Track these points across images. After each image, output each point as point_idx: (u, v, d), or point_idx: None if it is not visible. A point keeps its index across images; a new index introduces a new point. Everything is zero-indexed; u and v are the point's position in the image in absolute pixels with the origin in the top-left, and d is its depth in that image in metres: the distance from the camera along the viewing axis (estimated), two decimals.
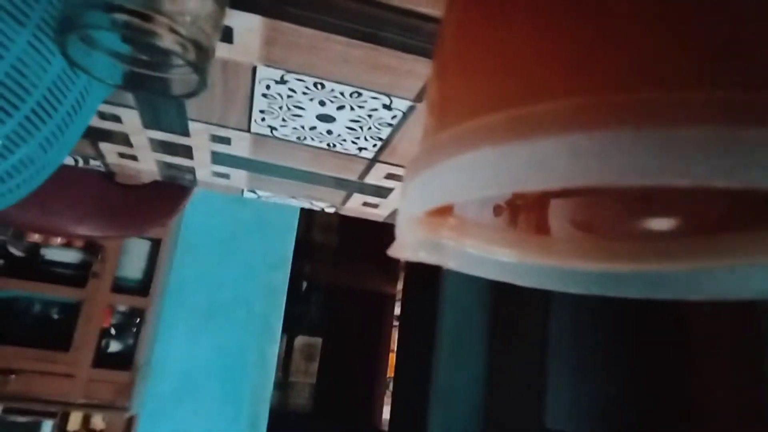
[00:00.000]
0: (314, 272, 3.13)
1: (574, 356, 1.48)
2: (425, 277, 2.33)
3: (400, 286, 3.11)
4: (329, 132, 0.54)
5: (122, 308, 2.11)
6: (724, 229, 0.21)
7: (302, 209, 2.45)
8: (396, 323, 3.11)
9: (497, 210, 0.23)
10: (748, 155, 0.10)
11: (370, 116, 0.50)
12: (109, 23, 0.31)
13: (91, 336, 1.96)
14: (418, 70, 0.43)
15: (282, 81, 0.46)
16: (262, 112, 0.52)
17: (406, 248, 0.20)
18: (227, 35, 0.41)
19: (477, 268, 0.22)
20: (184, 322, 2.25)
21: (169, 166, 0.69)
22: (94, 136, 0.62)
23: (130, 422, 2.03)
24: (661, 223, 0.22)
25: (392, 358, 3.07)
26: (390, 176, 0.63)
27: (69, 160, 0.70)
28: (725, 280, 0.22)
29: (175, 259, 2.24)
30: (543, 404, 1.54)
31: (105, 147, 0.65)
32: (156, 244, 2.08)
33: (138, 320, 2.08)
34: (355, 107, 0.49)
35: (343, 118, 0.51)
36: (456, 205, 0.20)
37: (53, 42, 0.35)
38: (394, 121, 0.51)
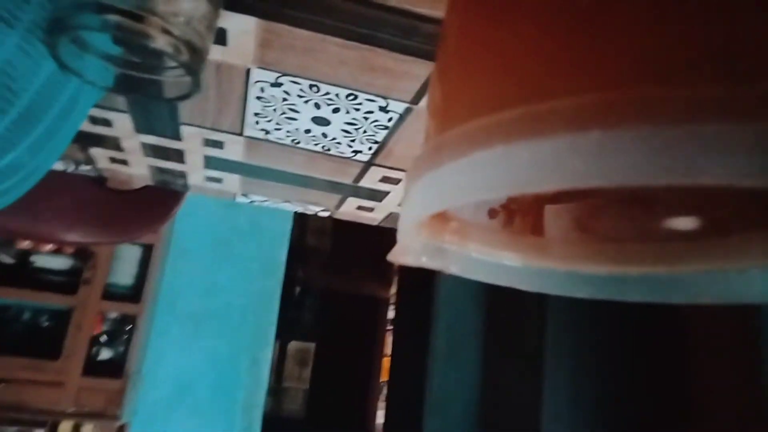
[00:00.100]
0: (307, 277, 3.11)
1: (570, 360, 1.48)
2: (419, 281, 2.32)
3: (393, 289, 3.10)
4: (324, 135, 0.54)
5: (113, 315, 2.09)
6: (733, 231, 0.21)
7: (295, 214, 2.44)
8: (390, 327, 3.10)
9: (492, 213, 0.22)
10: (751, 151, 0.10)
11: (365, 119, 0.50)
12: (101, 24, 0.30)
13: (81, 344, 1.94)
14: (415, 71, 0.42)
15: (276, 83, 0.46)
16: (256, 115, 0.52)
17: (407, 253, 0.20)
18: (221, 37, 0.40)
19: (480, 272, 0.21)
20: (177, 329, 2.23)
21: (161, 170, 0.68)
22: (85, 140, 0.61)
23: (121, 431, 2.00)
24: (668, 225, 0.21)
25: (386, 362, 3.06)
26: (386, 179, 0.62)
27: (59, 165, 0.69)
28: (733, 283, 0.22)
29: (167, 264, 2.22)
30: (539, 409, 1.54)
31: (96, 152, 0.64)
32: (148, 250, 2.07)
33: (129, 327, 2.06)
34: (350, 110, 0.49)
35: (338, 120, 0.51)
36: (453, 209, 0.20)
37: (43, 44, 0.34)
38: (390, 124, 0.50)
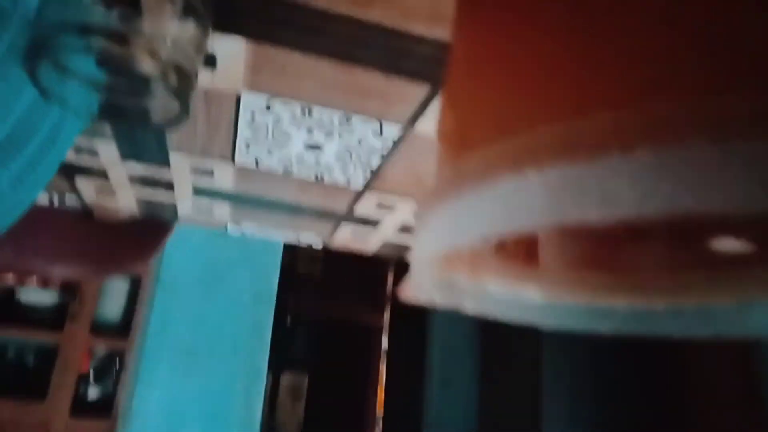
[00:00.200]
0: (299, 306, 3.07)
1: (567, 383, 1.46)
2: (412, 308, 2.30)
3: (386, 317, 3.06)
4: (317, 161, 0.52)
5: (101, 351, 2.04)
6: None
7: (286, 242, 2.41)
8: (384, 356, 3.06)
9: (507, 244, 0.21)
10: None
11: (359, 144, 0.49)
12: (84, 48, 0.29)
13: (68, 382, 1.89)
14: (411, 94, 0.41)
15: (268, 108, 0.45)
16: (246, 141, 0.50)
17: (419, 290, 0.18)
18: (210, 61, 0.39)
19: (497, 309, 0.20)
20: (167, 363, 2.18)
21: (150, 201, 0.66)
22: (69, 171, 0.59)
23: None
24: (696, 252, 0.20)
25: (381, 391, 3.01)
26: (381, 206, 0.61)
27: (43, 197, 0.67)
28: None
29: (156, 297, 2.18)
30: None
31: (81, 182, 0.62)
32: (136, 283, 2.03)
33: (118, 363, 2.01)
34: (344, 134, 0.47)
35: (331, 145, 0.49)
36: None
37: (23, 69, 0.33)
38: (385, 149, 0.49)
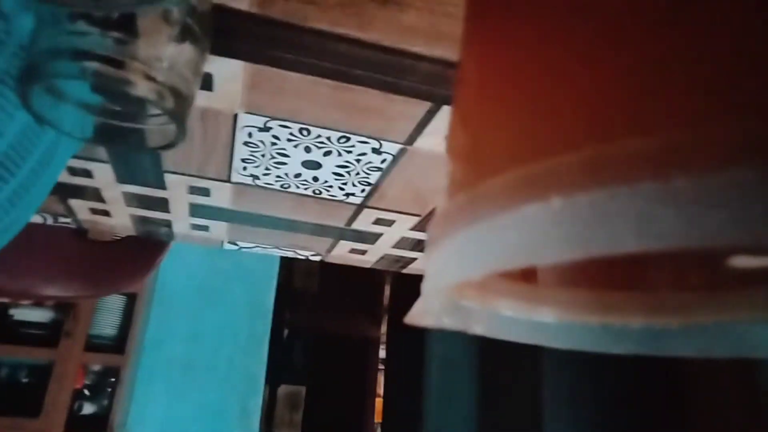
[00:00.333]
0: (295, 319, 3.05)
1: (569, 396, 1.45)
2: None
3: (384, 328, 3.05)
4: (315, 179, 0.52)
5: (96, 368, 2.02)
6: None
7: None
8: (381, 367, 3.04)
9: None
10: None
11: (358, 161, 0.48)
12: (78, 72, 0.28)
13: (62, 399, 1.87)
14: (410, 112, 0.41)
15: (265, 128, 0.44)
16: (243, 161, 0.49)
17: (427, 315, 0.18)
18: (207, 82, 0.38)
19: (508, 332, 0.19)
20: (163, 379, 2.16)
21: (145, 220, 0.65)
22: (64, 192, 0.58)
23: None
24: (717, 270, 0.19)
25: (379, 402, 2.99)
26: (379, 221, 0.60)
27: (37, 218, 0.66)
28: None
29: (152, 313, 2.16)
30: None
31: (75, 203, 0.61)
32: (131, 299, 2.01)
33: (113, 379, 1.99)
34: (342, 152, 0.47)
35: (329, 164, 0.49)
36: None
37: (15, 94, 0.32)
38: (384, 165, 0.49)
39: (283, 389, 3.03)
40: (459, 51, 0.18)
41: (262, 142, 0.46)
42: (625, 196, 0.09)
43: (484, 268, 0.11)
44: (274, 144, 0.46)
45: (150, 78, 0.28)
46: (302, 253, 0.74)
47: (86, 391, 2.00)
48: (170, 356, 2.18)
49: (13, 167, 0.37)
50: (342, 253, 0.72)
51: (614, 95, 0.10)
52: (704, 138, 0.09)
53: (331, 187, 0.53)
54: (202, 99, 0.40)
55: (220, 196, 0.57)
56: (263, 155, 0.48)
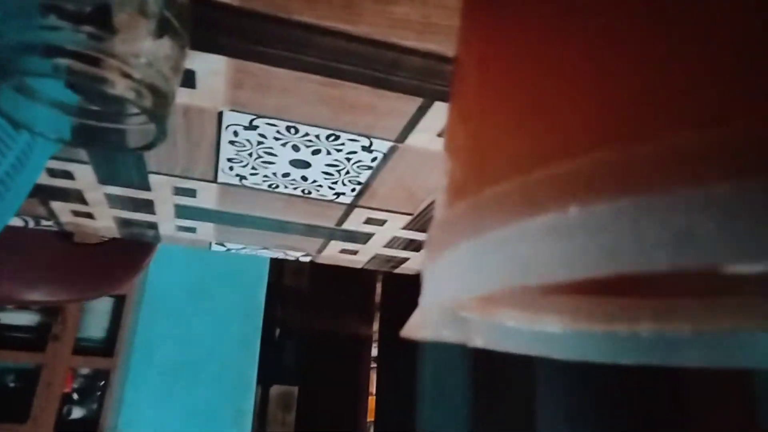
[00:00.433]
0: (287, 318, 3.04)
1: (563, 395, 1.45)
2: (402, 317, 2.27)
3: (376, 326, 3.04)
4: (304, 178, 0.50)
5: (85, 371, 1.99)
6: None
7: None
8: (374, 365, 3.03)
9: None
10: None
11: (348, 159, 0.47)
12: (51, 69, 0.26)
13: (51, 403, 1.84)
14: (401, 108, 0.40)
15: (251, 126, 0.42)
16: (229, 160, 0.48)
17: (425, 328, 0.16)
18: (189, 79, 0.37)
19: (510, 343, 0.18)
20: (153, 382, 2.13)
21: (129, 222, 0.64)
22: (44, 194, 0.56)
23: None
24: (729, 276, 0.18)
25: (372, 401, 2.98)
26: (370, 221, 0.59)
27: (18, 222, 0.65)
28: None
29: (141, 315, 2.14)
30: None
31: (57, 206, 0.60)
32: (120, 301, 1.98)
33: (102, 383, 1.96)
34: (332, 151, 0.45)
35: (319, 162, 0.47)
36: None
37: None
38: (374, 164, 0.47)
39: (275, 389, 3.02)
40: (456, 44, 0.17)
41: (248, 140, 0.45)
42: (656, 206, 0.07)
43: (490, 284, 0.09)
44: (260, 143, 0.45)
45: (127, 75, 0.27)
46: (292, 254, 0.72)
47: (75, 395, 1.97)
48: (160, 358, 2.15)
49: None
50: (333, 253, 0.71)
51: (647, 95, 0.09)
52: (750, 137, 0.08)
53: (320, 186, 0.52)
54: (184, 96, 0.39)
55: (207, 196, 0.55)
56: (250, 154, 0.47)
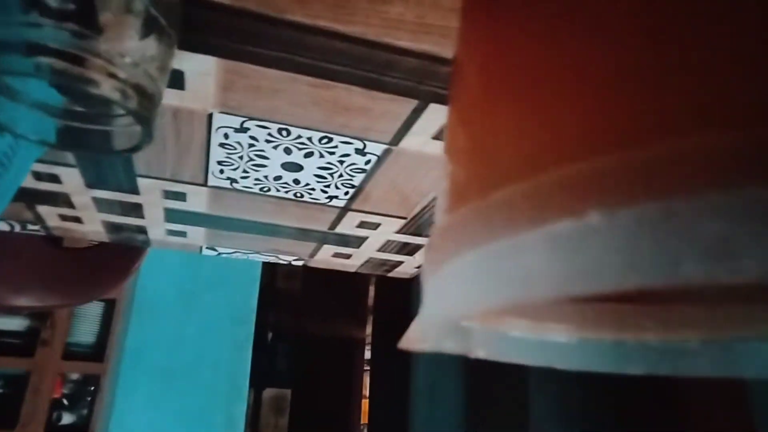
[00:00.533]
0: (279, 321, 3.02)
1: (557, 398, 1.44)
2: (395, 319, 2.26)
3: (369, 329, 3.03)
4: (296, 181, 0.49)
5: (75, 376, 1.97)
6: None
7: None
8: (367, 368, 3.02)
9: None
10: None
11: (341, 162, 0.46)
12: (32, 68, 0.25)
13: (40, 409, 1.81)
14: (395, 110, 0.39)
15: (242, 129, 0.42)
16: (220, 163, 0.47)
17: (424, 339, 0.15)
18: (178, 80, 0.36)
19: (516, 353, 0.17)
20: (144, 387, 2.11)
21: (118, 227, 0.62)
22: (30, 198, 0.55)
23: None
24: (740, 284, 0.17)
25: (365, 404, 2.97)
26: (363, 224, 0.58)
27: (3, 226, 0.63)
28: None
29: (132, 319, 2.11)
30: None
31: (44, 210, 0.58)
32: (110, 305, 1.96)
33: (92, 388, 1.94)
34: (324, 154, 0.45)
35: (311, 165, 0.47)
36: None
37: None
38: (368, 167, 0.47)
39: (268, 393, 3.00)
40: (455, 45, 0.16)
41: (239, 143, 0.44)
42: (687, 212, 0.07)
43: (500, 298, 0.09)
44: (252, 145, 0.44)
45: (112, 75, 0.26)
46: (284, 258, 0.72)
47: (65, 401, 1.95)
48: (151, 363, 2.13)
49: None
50: (326, 257, 0.70)
51: (661, 90, 0.08)
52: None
53: (313, 189, 0.51)
54: (173, 98, 0.38)
55: (197, 200, 0.54)
56: (241, 157, 0.46)
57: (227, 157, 0.46)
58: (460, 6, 0.17)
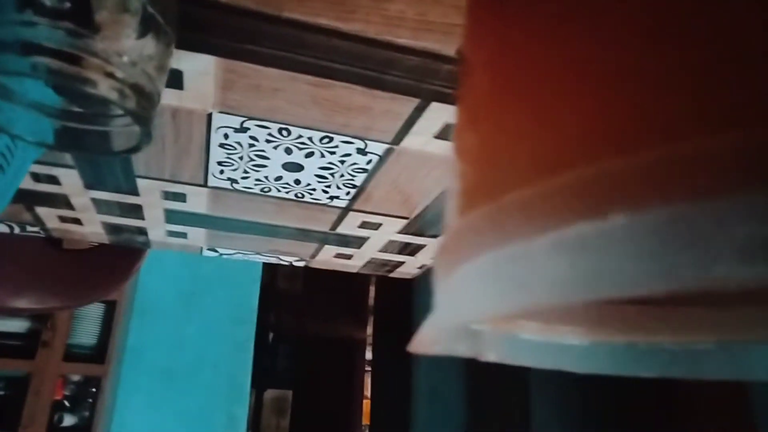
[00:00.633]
0: (280, 322, 3.02)
1: (558, 399, 1.44)
2: (397, 319, 2.26)
3: (369, 330, 3.02)
4: (297, 182, 0.49)
5: (76, 378, 1.96)
6: None
7: None
8: (368, 369, 3.01)
9: None
10: None
11: (342, 162, 0.45)
12: (28, 68, 0.25)
13: (42, 411, 1.81)
14: (396, 109, 0.38)
15: (242, 128, 0.41)
16: (220, 164, 0.47)
17: (435, 343, 0.15)
18: (177, 80, 0.35)
19: (528, 356, 0.17)
20: (145, 388, 2.11)
21: (118, 228, 0.62)
22: (29, 200, 0.55)
23: None
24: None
25: (366, 405, 2.96)
26: (365, 225, 0.58)
27: (2, 228, 0.63)
28: None
29: (132, 320, 2.11)
30: None
31: (43, 211, 0.58)
32: (111, 307, 1.96)
33: (94, 390, 1.94)
34: (325, 153, 0.44)
35: (312, 165, 0.46)
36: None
37: None
38: (369, 166, 0.46)
39: (269, 394, 2.99)
40: (463, 44, 0.16)
41: (239, 143, 0.43)
42: (720, 212, 0.06)
43: (517, 302, 0.08)
44: (252, 145, 0.43)
45: (109, 75, 0.26)
46: (285, 259, 0.71)
47: (66, 403, 1.94)
48: (153, 364, 2.13)
49: None
50: (327, 258, 0.70)
51: (689, 89, 0.08)
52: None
53: (314, 190, 0.50)
54: (172, 98, 0.37)
55: (197, 201, 0.54)
56: (241, 157, 0.45)
57: (227, 158, 0.45)
58: (464, 3, 0.16)
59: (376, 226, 0.58)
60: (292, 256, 0.70)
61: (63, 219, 0.60)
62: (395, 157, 0.44)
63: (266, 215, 0.57)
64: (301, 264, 0.72)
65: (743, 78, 0.07)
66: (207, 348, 2.22)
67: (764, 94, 0.07)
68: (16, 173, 0.40)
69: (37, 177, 0.50)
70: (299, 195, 0.51)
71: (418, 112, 0.38)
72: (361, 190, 0.50)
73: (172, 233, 0.63)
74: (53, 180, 0.50)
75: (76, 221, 0.60)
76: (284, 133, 0.41)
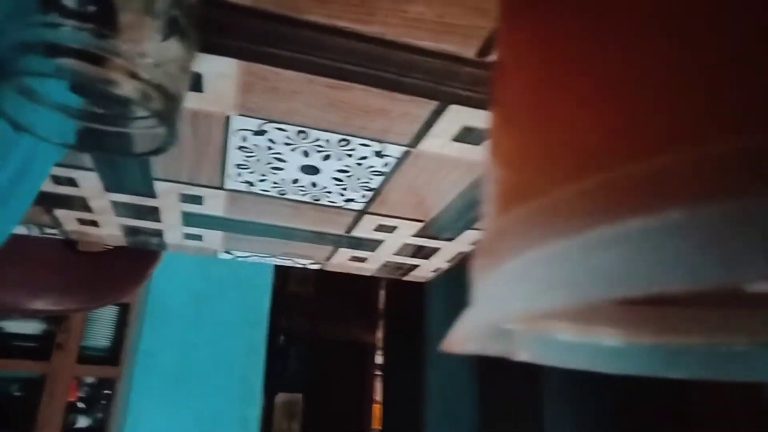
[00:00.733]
0: (291, 325, 3.02)
1: (571, 401, 1.42)
2: (407, 323, 2.25)
3: (380, 334, 3.02)
4: (314, 184, 0.49)
5: (90, 380, 1.98)
6: None
7: None
8: (378, 373, 3.01)
9: None
10: None
11: (359, 165, 0.45)
12: (53, 70, 0.25)
13: (56, 413, 1.82)
14: (415, 112, 0.38)
15: (260, 131, 0.41)
16: (237, 166, 0.47)
17: (468, 341, 0.15)
18: (196, 82, 0.35)
19: (561, 357, 0.16)
20: (158, 390, 2.12)
21: (135, 230, 0.62)
22: (49, 202, 0.55)
23: None
24: None
25: (377, 409, 2.96)
26: (381, 228, 0.58)
27: (21, 230, 0.64)
28: None
29: (145, 323, 2.12)
30: None
31: (62, 214, 0.59)
32: (124, 310, 1.97)
33: (108, 392, 1.95)
34: (342, 156, 0.44)
35: (329, 168, 0.46)
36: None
37: None
38: (386, 169, 0.46)
39: (280, 397, 3.00)
40: (497, 49, 0.16)
41: (257, 146, 0.43)
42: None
43: (565, 299, 0.08)
44: (269, 148, 0.44)
45: (134, 76, 0.26)
46: (300, 262, 0.71)
47: (80, 404, 1.96)
48: (165, 367, 2.14)
49: None
50: (342, 261, 0.70)
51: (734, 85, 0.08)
52: None
53: (330, 192, 0.50)
54: (191, 101, 0.38)
55: (214, 204, 0.54)
56: (258, 160, 0.45)
57: (245, 160, 0.46)
58: (484, 5, 0.16)
59: (391, 229, 0.58)
60: (307, 258, 0.70)
61: (81, 221, 0.60)
62: (412, 159, 0.44)
63: (282, 218, 0.57)
64: (316, 267, 0.72)
65: None
66: (219, 351, 2.23)
67: None
68: (38, 175, 0.40)
69: (57, 179, 0.50)
70: (316, 198, 0.51)
71: (437, 114, 0.38)
72: (377, 193, 0.50)
73: (188, 236, 0.64)
74: (72, 182, 0.51)
75: (94, 223, 0.61)
76: (302, 135, 0.41)
